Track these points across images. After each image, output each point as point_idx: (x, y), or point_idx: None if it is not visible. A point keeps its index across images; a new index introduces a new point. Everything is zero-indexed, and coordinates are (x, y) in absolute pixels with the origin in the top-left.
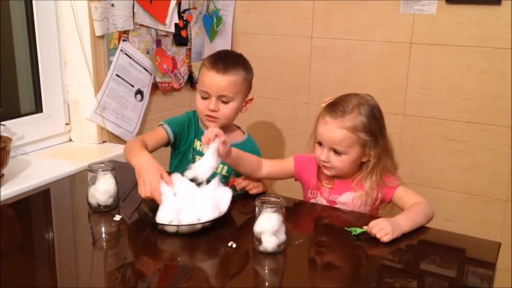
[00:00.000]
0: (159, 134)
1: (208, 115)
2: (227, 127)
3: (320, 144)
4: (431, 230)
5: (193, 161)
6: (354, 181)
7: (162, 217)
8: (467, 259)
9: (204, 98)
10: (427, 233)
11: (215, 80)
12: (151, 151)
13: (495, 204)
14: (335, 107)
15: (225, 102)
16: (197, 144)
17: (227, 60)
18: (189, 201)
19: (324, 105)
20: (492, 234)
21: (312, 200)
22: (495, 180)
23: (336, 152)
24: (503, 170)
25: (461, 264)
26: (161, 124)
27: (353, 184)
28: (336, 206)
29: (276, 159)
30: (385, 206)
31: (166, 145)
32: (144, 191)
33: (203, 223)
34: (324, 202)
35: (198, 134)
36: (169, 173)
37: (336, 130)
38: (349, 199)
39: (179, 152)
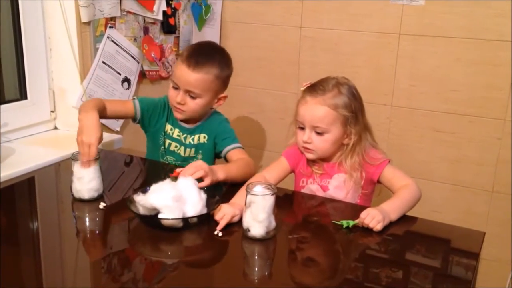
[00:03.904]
0: (126, 105)
1: (175, 106)
2: (198, 118)
3: (302, 128)
4: (417, 220)
5: (164, 144)
6: (336, 164)
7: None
8: (452, 249)
9: (175, 88)
10: (414, 224)
11: (184, 75)
12: (109, 117)
13: (481, 195)
14: (315, 87)
15: (193, 97)
16: (167, 128)
17: (201, 56)
18: (173, 195)
19: (303, 88)
20: (478, 224)
21: (304, 189)
22: (481, 171)
23: (318, 132)
24: (488, 161)
25: (446, 254)
26: (133, 99)
27: (335, 168)
28: (330, 191)
29: (271, 166)
30: (378, 194)
31: (133, 120)
32: (82, 152)
33: (190, 217)
34: (317, 187)
35: (170, 118)
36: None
37: (317, 107)
38: (340, 182)
39: (150, 133)
